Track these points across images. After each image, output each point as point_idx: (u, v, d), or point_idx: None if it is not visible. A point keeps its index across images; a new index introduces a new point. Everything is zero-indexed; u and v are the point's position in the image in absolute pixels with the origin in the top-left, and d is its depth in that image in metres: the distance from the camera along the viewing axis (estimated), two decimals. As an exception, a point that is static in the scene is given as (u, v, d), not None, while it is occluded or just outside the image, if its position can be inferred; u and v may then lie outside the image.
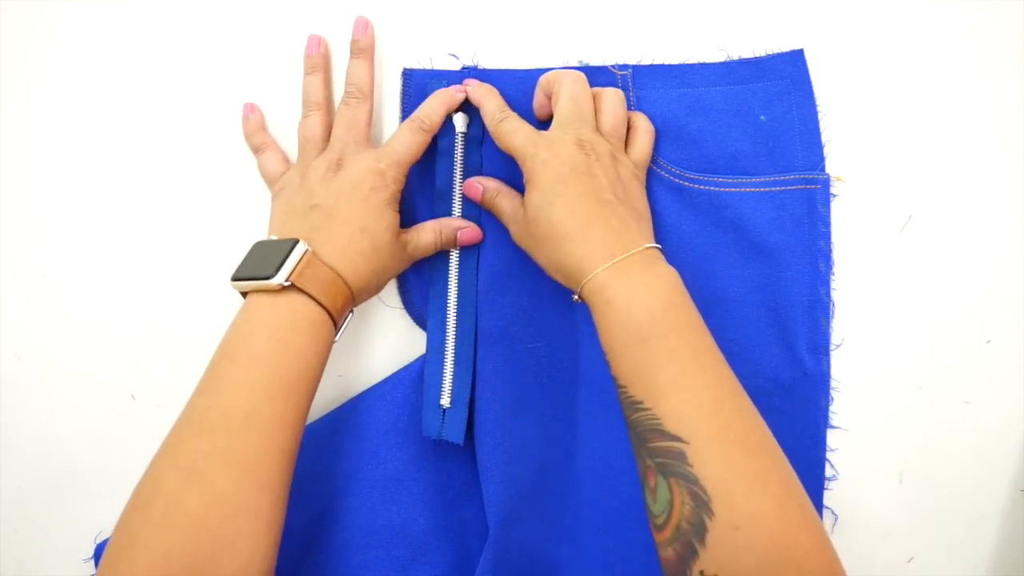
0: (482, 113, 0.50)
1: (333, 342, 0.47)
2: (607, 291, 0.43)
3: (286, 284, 0.44)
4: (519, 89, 0.53)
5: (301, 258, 0.45)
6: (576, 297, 0.45)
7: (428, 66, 0.54)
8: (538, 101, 0.52)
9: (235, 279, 0.46)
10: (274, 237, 0.47)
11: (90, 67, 0.55)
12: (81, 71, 0.55)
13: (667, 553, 0.39)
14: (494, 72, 0.53)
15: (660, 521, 0.40)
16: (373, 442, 0.53)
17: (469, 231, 0.52)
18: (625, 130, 0.51)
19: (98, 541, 0.54)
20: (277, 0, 0.54)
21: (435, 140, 0.53)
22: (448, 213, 0.53)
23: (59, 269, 0.55)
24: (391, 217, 0.49)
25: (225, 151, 0.54)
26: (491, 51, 0.53)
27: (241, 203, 0.54)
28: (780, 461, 0.40)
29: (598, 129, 0.49)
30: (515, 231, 0.49)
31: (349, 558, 0.52)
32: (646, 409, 0.40)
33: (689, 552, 0.38)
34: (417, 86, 0.53)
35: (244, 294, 0.46)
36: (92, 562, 0.53)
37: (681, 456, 0.39)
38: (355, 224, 0.47)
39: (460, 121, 0.52)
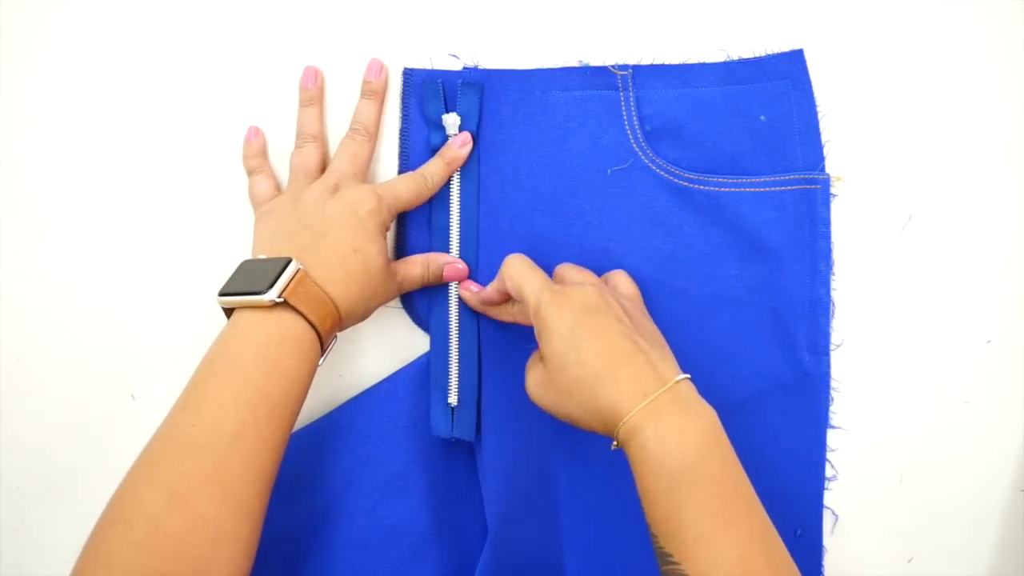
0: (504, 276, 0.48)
1: (318, 365, 0.46)
2: (642, 435, 0.41)
3: (278, 301, 0.43)
4: (520, 89, 0.53)
5: (294, 276, 0.44)
6: (615, 445, 0.43)
7: (428, 66, 0.54)
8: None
9: (223, 294, 0.44)
10: (262, 256, 0.47)
11: (91, 68, 0.55)
12: (82, 72, 0.55)
13: None
14: (494, 72, 0.53)
15: None
16: (373, 442, 0.53)
17: (453, 268, 0.52)
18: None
19: (98, 541, 0.54)
20: (283, 11, 0.54)
21: (428, 140, 0.53)
22: (445, 209, 0.53)
23: (59, 269, 0.55)
24: (383, 243, 0.49)
25: (225, 150, 0.54)
26: (491, 51, 0.53)
27: (241, 203, 0.54)
28: None
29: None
30: (536, 393, 0.46)
31: (349, 558, 0.52)
32: (676, 563, 0.40)
33: None
34: (417, 86, 0.53)
35: (229, 313, 0.45)
36: (92, 562, 0.53)
37: None
38: (348, 245, 0.47)
39: (451, 123, 0.52)
